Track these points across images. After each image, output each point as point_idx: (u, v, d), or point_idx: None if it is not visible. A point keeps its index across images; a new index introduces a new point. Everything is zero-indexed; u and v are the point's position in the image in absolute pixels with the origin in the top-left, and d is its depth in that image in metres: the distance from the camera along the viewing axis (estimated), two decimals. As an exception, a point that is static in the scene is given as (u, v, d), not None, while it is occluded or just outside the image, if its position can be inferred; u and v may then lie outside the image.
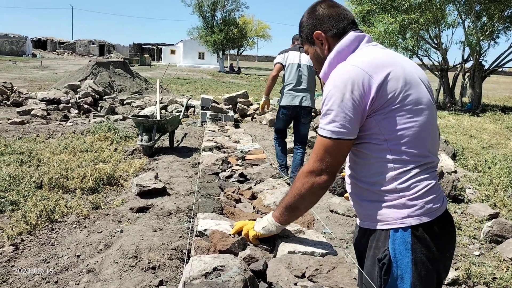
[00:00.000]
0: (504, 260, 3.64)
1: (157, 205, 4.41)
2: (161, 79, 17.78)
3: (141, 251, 3.34)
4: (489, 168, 6.36)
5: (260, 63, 64.68)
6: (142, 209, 4.25)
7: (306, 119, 5.40)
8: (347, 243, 4.05)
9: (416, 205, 1.40)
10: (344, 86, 1.35)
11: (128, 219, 4.08)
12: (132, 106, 12.43)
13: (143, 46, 63.51)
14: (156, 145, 7.11)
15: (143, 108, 11.88)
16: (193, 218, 3.62)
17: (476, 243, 4.06)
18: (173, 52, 54.69)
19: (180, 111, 9.20)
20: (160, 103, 11.91)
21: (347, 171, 1.63)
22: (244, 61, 61.98)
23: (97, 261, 3.17)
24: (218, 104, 11.27)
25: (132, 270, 3.09)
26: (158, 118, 7.34)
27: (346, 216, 4.55)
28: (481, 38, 17.41)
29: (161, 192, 4.75)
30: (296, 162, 5.32)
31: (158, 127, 6.80)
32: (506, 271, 3.37)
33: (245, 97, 12.43)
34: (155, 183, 4.69)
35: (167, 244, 3.54)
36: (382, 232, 1.44)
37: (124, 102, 12.89)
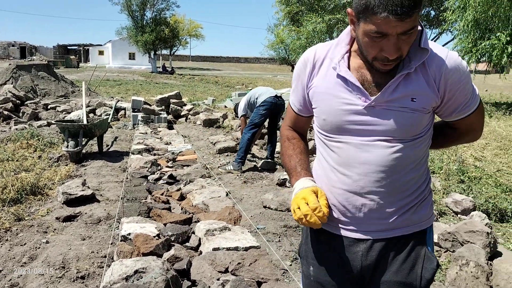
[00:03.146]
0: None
1: (86, 213, 4.26)
2: (89, 82, 17.04)
3: (69, 261, 3.23)
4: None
5: (194, 63, 64.06)
6: (69, 218, 4.09)
7: (282, 113, 6.14)
8: (279, 237, 4.19)
9: None
10: None
11: (55, 229, 3.91)
12: (58, 111, 11.81)
13: (68, 47, 60.33)
14: (83, 151, 6.83)
15: (70, 113, 11.33)
16: (119, 223, 3.56)
17: None
18: (101, 53, 52.49)
19: (109, 115, 8.92)
20: (88, 106, 11.43)
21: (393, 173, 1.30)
22: (178, 61, 61.03)
23: (21, 275, 3.02)
24: (150, 105, 11.03)
25: (59, 281, 2.97)
26: (85, 122, 7.07)
27: (279, 211, 4.70)
28: (400, 35, 18.58)
29: (90, 199, 4.59)
30: (274, 146, 6.10)
31: (85, 131, 6.54)
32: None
33: (178, 97, 12.27)
34: (83, 190, 4.53)
35: (97, 252, 3.45)
36: (419, 233, 1.33)
37: (49, 107, 12.21)
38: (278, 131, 6.23)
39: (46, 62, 18.14)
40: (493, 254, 3.14)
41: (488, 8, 11.92)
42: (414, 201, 1.31)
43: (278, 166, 5.97)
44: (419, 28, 1.22)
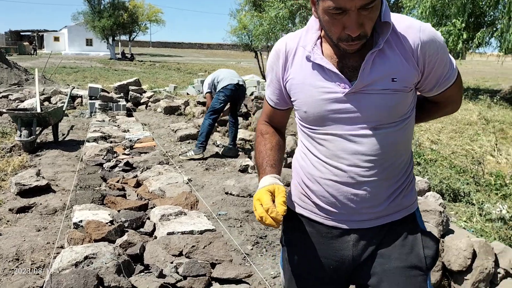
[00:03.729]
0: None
1: (41, 204, 4.14)
2: (44, 69, 16.33)
3: (23, 253, 3.14)
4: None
5: (154, 49, 62.67)
6: (23, 209, 3.96)
7: (243, 100, 6.29)
8: (241, 222, 4.23)
9: None
10: None
11: (8, 221, 3.78)
12: (10, 100, 11.31)
13: (21, 33, 57.49)
14: (38, 140, 6.60)
15: (23, 101, 10.88)
16: (68, 210, 3.48)
17: None
18: (57, 39, 50.35)
19: (64, 102, 8.63)
20: (42, 94, 10.99)
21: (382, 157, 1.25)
22: (138, 47, 59.43)
23: None
24: (108, 93, 10.73)
25: (12, 274, 2.89)
26: (39, 110, 6.81)
27: (241, 196, 4.74)
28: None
29: (45, 189, 4.46)
30: (236, 132, 6.16)
31: (39, 120, 6.31)
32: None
33: (138, 84, 12.00)
34: (37, 181, 4.39)
35: (53, 243, 3.37)
36: (408, 217, 1.31)
37: (0, 95, 11.68)
38: (239, 118, 6.28)
39: (-3, 48, 17.21)
40: (445, 232, 3.24)
41: (446, -6, 12.31)
42: (403, 185, 1.28)
43: (240, 153, 5.99)
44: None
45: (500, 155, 6.22)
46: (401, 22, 1.18)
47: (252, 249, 3.17)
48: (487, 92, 13.63)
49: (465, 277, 2.76)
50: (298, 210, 1.35)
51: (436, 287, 2.86)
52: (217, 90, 5.86)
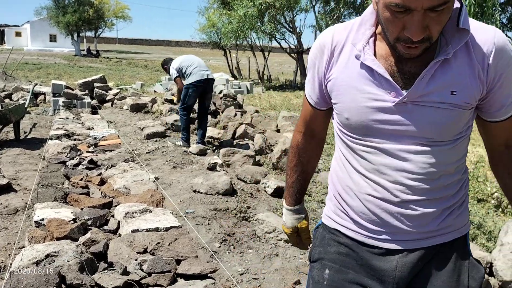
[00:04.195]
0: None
1: (1, 203, 4.02)
2: (4, 65, 15.72)
3: (-19, 255, 3.03)
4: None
5: (121, 45, 61.25)
6: (-18, 210, 3.82)
7: (211, 93, 6.29)
8: (209, 220, 4.23)
9: None
10: None
11: (-35, 223, 3.64)
12: (-32, 96, 10.87)
13: (-20, 27, 55.20)
14: (-2, 138, 6.39)
15: (-18, 98, 10.48)
16: (29, 208, 3.40)
17: (323, 207, 4.57)
18: (18, 34, 48.53)
19: (26, 99, 8.36)
20: (3, 91, 10.63)
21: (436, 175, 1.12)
22: (104, 44, 57.92)
23: None
24: (73, 90, 10.46)
25: (-30, 276, 2.79)
26: (-1, 107, 6.58)
27: (209, 194, 4.74)
28: (329, 22, 19.10)
29: (6, 188, 4.33)
30: (204, 130, 6.15)
31: (-1, 117, 6.11)
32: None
33: (103, 81, 11.76)
34: (-3, 179, 4.24)
35: (13, 243, 3.28)
36: (459, 240, 1.18)
37: (-43, 92, 11.18)
38: (207, 115, 6.30)
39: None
40: None
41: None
42: (455, 205, 1.14)
43: (208, 150, 5.98)
44: (457, 4, 1.01)
45: None
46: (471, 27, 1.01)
47: (220, 246, 3.19)
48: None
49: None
50: (334, 225, 1.24)
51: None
52: (185, 83, 5.88)
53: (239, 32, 18.41)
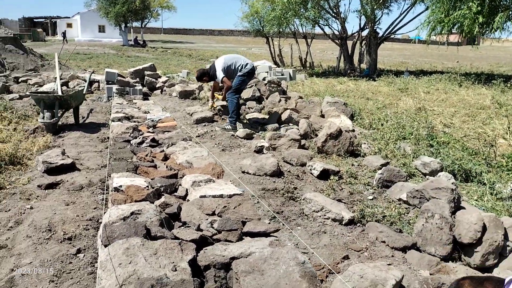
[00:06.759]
0: (392, 201, 4.20)
1: (67, 181, 4.32)
2: (59, 54, 16.53)
3: (55, 224, 3.31)
4: (382, 125, 7.10)
5: (166, 35, 62.52)
6: (51, 186, 4.14)
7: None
8: (258, 198, 4.41)
9: None
10: None
11: (37, 196, 3.96)
12: (29, 84, 11.57)
13: (35, 20, 57.85)
14: (60, 122, 6.83)
15: (42, 86, 11.13)
16: (107, 178, 3.67)
17: (370, 189, 4.56)
18: (69, 25, 50.66)
19: (83, 87, 8.85)
20: (61, 79, 11.25)
21: None
22: (149, 34, 59.38)
23: (9, 238, 3.09)
24: (125, 78, 10.94)
25: (47, 243, 3.06)
26: (60, 93, 7.02)
27: (257, 175, 4.91)
28: (375, 6, 18.64)
29: (70, 167, 4.64)
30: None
31: (61, 102, 6.51)
32: (393, 210, 3.93)
33: (153, 69, 12.19)
34: (63, 159, 4.59)
35: (82, 216, 3.53)
36: None
37: (20, 80, 11.94)
38: (253, 101, 6.77)
39: (12, 35, 17.50)
40: (457, 208, 3.35)
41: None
42: None
43: (255, 135, 6.15)
44: None
45: (513, 137, 6.27)
46: None
47: (269, 223, 3.35)
48: (501, 77, 13.53)
49: (475, 250, 2.88)
50: None
51: (447, 260, 2.95)
52: (239, 73, 6.35)
53: (282, 19, 18.35)
